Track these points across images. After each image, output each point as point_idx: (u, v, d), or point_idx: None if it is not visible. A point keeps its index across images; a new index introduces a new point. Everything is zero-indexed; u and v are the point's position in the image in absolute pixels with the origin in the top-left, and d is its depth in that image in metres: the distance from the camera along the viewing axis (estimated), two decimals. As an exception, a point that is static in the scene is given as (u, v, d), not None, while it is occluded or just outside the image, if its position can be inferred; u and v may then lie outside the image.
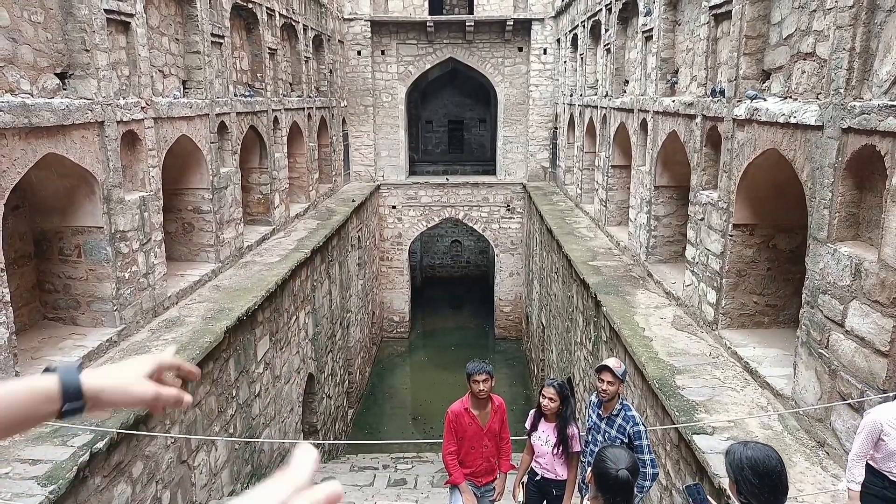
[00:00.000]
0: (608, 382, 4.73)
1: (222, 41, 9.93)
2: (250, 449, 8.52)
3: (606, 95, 12.57)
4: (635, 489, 3.25)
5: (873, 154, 4.35)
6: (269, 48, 12.22)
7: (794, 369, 5.30)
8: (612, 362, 4.85)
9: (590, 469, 3.26)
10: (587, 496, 3.55)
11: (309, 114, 14.91)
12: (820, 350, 4.87)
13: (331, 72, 17.23)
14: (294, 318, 10.74)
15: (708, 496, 3.12)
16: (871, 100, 4.42)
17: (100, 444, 4.97)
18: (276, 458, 9.75)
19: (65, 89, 6.33)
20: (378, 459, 11.36)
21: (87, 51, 6.39)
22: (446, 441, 5.03)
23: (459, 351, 18.94)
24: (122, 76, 7.26)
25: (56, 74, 6.24)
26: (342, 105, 18.75)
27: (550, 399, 4.94)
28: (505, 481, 5.39)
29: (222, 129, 9.92)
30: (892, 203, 4.07)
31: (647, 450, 4.51)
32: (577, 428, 5.12)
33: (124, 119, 7.03)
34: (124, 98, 7.14)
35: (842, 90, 4.63)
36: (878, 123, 4.18)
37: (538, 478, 5.17)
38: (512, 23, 18.99)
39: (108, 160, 6.71)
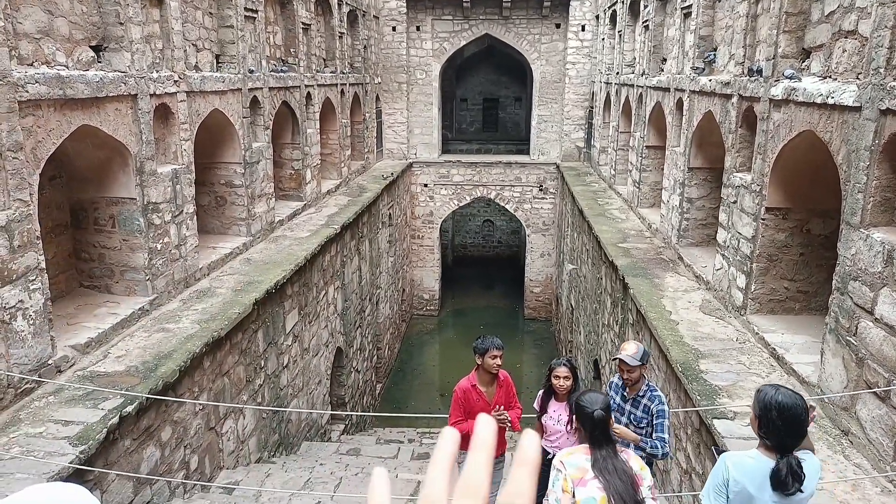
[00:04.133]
0: (627, 371, 4.70)
1: (256, 15, 9.99)
2: (278, 418, 8.73)
3: (643, 74, 12.26)
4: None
5: (912, 136, 4.17)
6: (303, 23, 12.25)
7: (822, 356, 5.16)
8: (630, 349, 4.72)
9: (575, 416, 3.70)
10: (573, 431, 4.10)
11: (342, 90, 14.93)
12: (848, 337, 4.73)
13: (365, 48, 17.19)
14: (323, 292, 10.89)
15: None
16: (912, 79, 4.22)
17: (129, 408, 5.14)
18: (304, 429, 9.98)
19: (99, 62, 6.46)
20: (404, 433, 11.51)
21: (121, 24, 6.50)
22: (453, 416, 5.07)
23: (488, 330, 18.77)
24: (156, 49, 7.37)
25: (91, 47, 6.37)
26: (376, 82, 18.72)
27: (565, 378, 4.93)
28: (516, 421, 5.20)
29: (255, 103, 10.01)
30: (930, 187, 3.90)
31: (665, 429, 4.50)
32: None
33: (157, 92, 7.15)
34: (157, 71, 7.26)
35: (881, 70, 4.42)
36: (919, 104, 3.99)
37: (549, 457, 5.18)
38: (549, -1, 18.61)
39: (141, 133, 6.86)
